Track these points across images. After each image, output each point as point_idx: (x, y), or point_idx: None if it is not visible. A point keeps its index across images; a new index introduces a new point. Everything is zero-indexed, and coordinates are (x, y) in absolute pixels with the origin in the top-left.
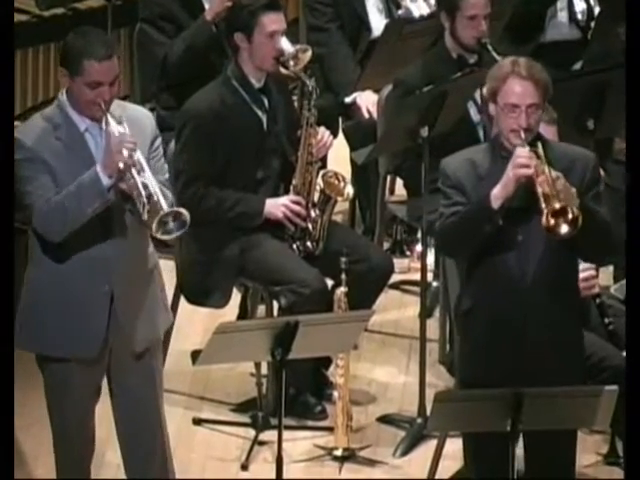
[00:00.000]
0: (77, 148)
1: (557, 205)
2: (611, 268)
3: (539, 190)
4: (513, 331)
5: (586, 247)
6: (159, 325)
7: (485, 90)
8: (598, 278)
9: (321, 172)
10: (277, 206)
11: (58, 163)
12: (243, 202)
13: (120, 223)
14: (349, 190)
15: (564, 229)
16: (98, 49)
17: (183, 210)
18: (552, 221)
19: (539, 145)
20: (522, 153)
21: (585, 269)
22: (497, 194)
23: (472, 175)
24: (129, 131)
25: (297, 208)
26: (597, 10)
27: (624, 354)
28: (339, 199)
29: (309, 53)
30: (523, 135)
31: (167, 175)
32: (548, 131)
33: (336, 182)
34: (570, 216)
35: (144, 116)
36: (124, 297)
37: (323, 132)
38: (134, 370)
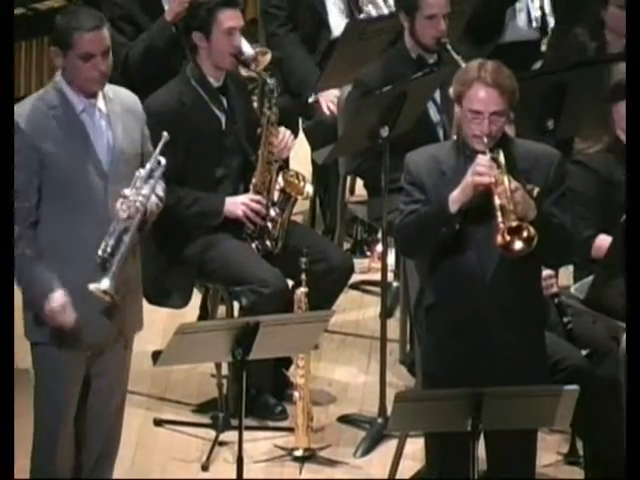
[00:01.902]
0: (73, 129)
1: (514, 223)
2: (571, 268)
3: (497, 202)
4: (474, 329)
5: (543, 255)
6: (140, 313)
7: (451, 91)
8: (557, 277)
9: (282, 171)
10: (237, 204)
11: (51, 144)
12: (202, 201)
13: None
14: (309, 189)
15: (518, 245)
16: (86, 21)
17: (108, 296)
18: (507, 238)
19: (500, 153)
20: (482, 162)
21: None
22: (455, 198)
23: (434, 171)
24: (125, 116)
25: (257, 207)
26: (550, 13)
27: (583, 353)
28: (299, 198)
29: (269, 56)
30: (485, 140)
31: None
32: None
33: (296, 181)
34: (525, 234)
35: (134, 102)
36: (122, 284)
37: (284, 132)
38: (113, 356)
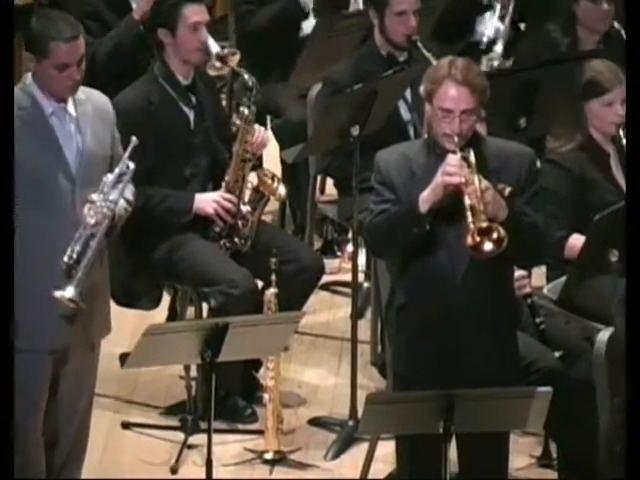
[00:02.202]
0: (42, 132)
1: (484, 224)
2: (544, 268)
3: (467, 202)
4: (446, 330)
5: (515, 255)
6: (108, 317)
7: (422, 89)
8: (530, 278)
9: (257, 170)
10: (208, 201)
11: (18, 146)
12: (172, 198)
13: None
14: (282, 191)
15: (488, 246)
16: (64, 30)
17: (73, 303)
18: (477, 239)
19: (471, 152)
20: (452, 161)
21: (516, 269)
22: (425, 198)
23: (404, 170)
24: (96, 119)
25: (228, 205)
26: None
27: (556, 354)
28: (272, 198)
29: (237, 56)
30: (456, 139)
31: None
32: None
33: (270, 181)
34: (495, 235)
35: (105, 104)
36: (88, 289)
37: (259, 130)
38: (80, 359)
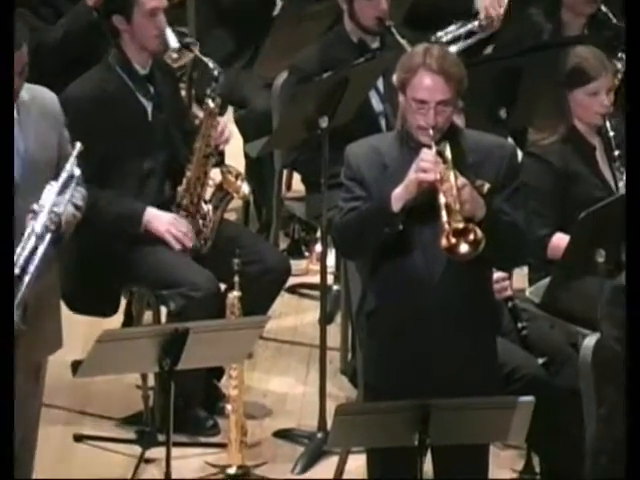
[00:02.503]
0: None
1: (460, 225)
2: (526, 269)
3: (442, 200)
4: (420, 335)
5: (494, 256)
6: (58, 329)
7: (395, 78)
8: (511, 280)
9: (220, 166)
10: (163, 222)
11: None
12: (121, 203)
13: None
14: (245, 190)
15: (464, 248)
16: None
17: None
18: (453, 240)
19: (447, 146)
20: (427, 156)
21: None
22: (398, 196)
23: (376, 165)
24: (40, 120)
25: (180, 235)
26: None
27: (540, 361)
28: (235, 196)
29: (196, 48)
30: (431, 132)
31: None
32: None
33: (234, 179)
34: (472, 237)
35: (52, 102)
36: (34, 304)
37: (223, 124)
38: (25, 376)
